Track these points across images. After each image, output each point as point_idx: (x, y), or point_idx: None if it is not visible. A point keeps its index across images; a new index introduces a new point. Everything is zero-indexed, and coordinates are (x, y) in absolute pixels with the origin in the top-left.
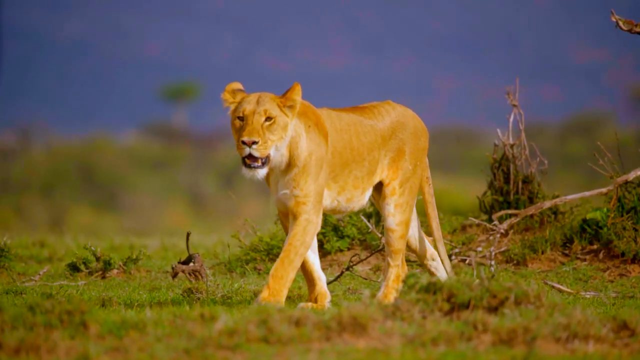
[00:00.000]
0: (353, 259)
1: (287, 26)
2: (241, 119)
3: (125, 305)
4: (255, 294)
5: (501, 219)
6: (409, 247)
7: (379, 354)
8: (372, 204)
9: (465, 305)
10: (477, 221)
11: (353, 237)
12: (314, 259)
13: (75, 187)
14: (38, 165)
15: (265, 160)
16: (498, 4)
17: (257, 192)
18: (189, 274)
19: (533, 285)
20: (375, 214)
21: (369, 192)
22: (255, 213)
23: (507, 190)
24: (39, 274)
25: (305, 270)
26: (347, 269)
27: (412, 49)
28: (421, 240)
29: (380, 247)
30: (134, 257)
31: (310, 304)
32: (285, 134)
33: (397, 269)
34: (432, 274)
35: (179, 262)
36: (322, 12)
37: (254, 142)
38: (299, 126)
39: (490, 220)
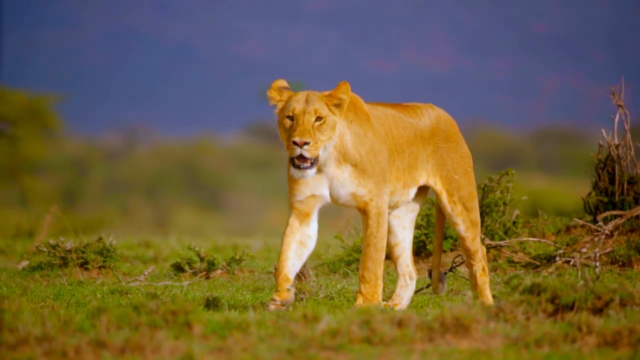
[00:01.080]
0: (456, 259)
1: (390, 27)
2: (291, 118)
3: (229, 305)
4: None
5: (606, 220)
6: (389, 255)
7: (482, 355)
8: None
9: (570, 307)
10: (581, 222)
11: (456, 238)
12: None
13: (179, 187)
14: (143, 166)
15: (314, 161)
16: (602, 2)
17: None
18: None
19: (638, 286)
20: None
21: (412, 190)
22: (357, 214)
23: (612, 191)
24: (144, 274)
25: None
26: (450, 270)
27: (516, 49)
28: (407, 256)
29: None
30: (238, 257)
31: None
32: (334, 134)
33: (480, 263)
34: (399, 286)
35: None
36: (425, 12)
37: (306, 143)
38: (341, 124)
39: (595, 222)
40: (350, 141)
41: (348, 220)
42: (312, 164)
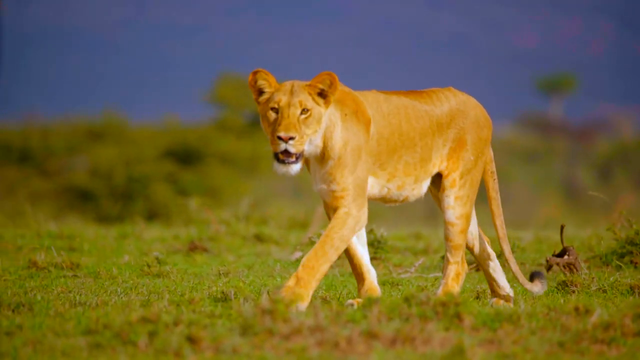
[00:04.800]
0: None
1: None
2: (275, 110)
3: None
4: (632, 288)
5: None
6: (466, 245)
7: None
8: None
9: None
10: None
11: None
12: (362, 252)
13: None
14: None
15: (300, 156)
16: None
17: (637, 185)
18: (564, 266)
19: None
20: None
21: (425, 182)
22: (631, 205)
23: None
24: (415, 266)
25: (353, 264)
26: None
27: None
28: (479, 238)
29: None
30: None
31: (359, 300)
32: (320, 127)
33: (456, 266)
34: (489, 275)
35: (553, 255)
36: None
37: (291, 138)
38: (334, 115)
39: None
40: (339, 135)
41: (621, 212)
42: (297, 159)
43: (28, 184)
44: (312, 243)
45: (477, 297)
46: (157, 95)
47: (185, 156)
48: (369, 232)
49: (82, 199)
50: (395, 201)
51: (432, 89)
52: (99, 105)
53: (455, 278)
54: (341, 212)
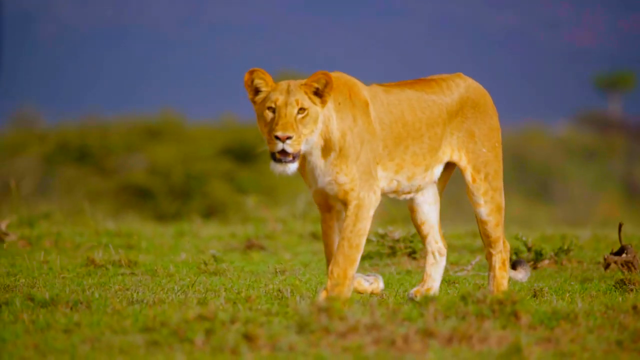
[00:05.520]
0: None
1: None
2: (272, 110)
3: (557, 295)
4: None
5: None
6: (418, 232)
7: None
8: None
9: None
10: None
11: None
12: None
13: (508, 177)
14: None
15: (297, 155)
16: None
17: None
18: (622, 264)
19: None
20: None
21: (437, 169)
22: None
23: None
24: (471, 264)
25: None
26: None
27: None
28: (435, 231)
29: None
30: (566, 247)
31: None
32: (316, 127)
33: (500, 255)
34: (429, 266)
35: (611, 253)
36: None
37: (289, 137)
38: (328, 108)
39: None
40: (336, 125)
41: None
42: (294, 158)
43: (86, 183)
44: (368, 241)
45: (534, 296)
46: (215, 93)
47: (243, 154)
48: None
49: (140, 197)
50: (409, 192)
51: (441, 76)
52: (157, 104)
53: (502, 267)
54: (352, 206)
